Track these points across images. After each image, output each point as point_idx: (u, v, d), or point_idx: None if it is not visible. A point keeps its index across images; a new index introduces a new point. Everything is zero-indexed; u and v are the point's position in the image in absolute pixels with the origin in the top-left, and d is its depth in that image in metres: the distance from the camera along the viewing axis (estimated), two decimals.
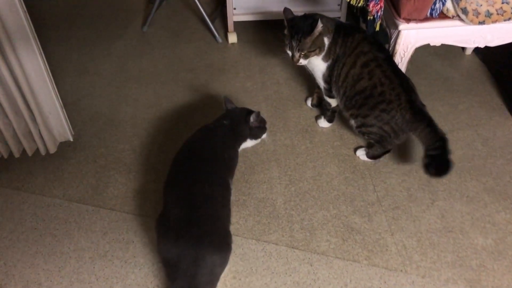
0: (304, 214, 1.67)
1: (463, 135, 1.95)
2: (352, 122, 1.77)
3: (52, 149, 1.85)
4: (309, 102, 2.10)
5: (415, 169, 1.81)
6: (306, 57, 1.69)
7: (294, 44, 1.66)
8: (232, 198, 1.69)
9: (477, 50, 2.37)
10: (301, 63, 1.72)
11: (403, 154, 1.87)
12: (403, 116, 1.61)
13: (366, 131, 1.74)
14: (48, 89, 1.70)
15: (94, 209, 1.69)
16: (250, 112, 1.59)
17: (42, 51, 1.64)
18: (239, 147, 1.62)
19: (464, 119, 2.03)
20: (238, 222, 1.64)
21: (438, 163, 1.56)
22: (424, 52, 2.38)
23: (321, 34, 1.65)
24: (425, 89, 2.17)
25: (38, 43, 1.62)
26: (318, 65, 1.76)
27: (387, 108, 1.63)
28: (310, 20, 1.65)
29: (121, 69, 2.32)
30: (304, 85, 2.21)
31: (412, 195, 1.72)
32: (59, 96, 1.77)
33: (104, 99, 2.15)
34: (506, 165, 1.83)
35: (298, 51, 1.67)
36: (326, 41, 1.68)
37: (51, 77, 1.71)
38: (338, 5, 2.41)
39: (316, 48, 1.67)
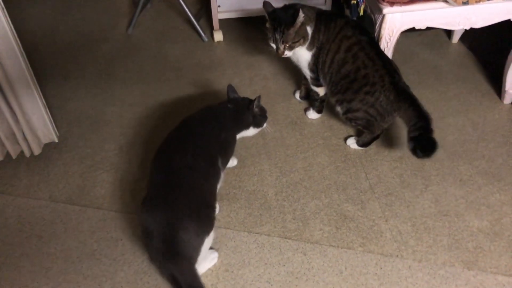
0: (296, 204, 1.63)
1: (453, 121, 1.93)
2: (338, 108, 1.75)
3: (37, 151, 1.81)
4: (297, 95, 2.08)
5: (407, 156, 1.78)
6: (290, 48, 1.67)
7: (277, 36, 1.64)
8: (223, 191, 1.67)
9: (463, 37, 2.37)
10: (286, 55, 1.70)
11: (394, 141, 1.85)
12: (387, 97, 1.61)
13: (353, 117, 1.73)
14: (30, 89, 1.67)
15: (81, 209, 1.65)
16: (251, 100, 1.61)
17: (23, 52, 1.61)
18: (238, 132, 1.61)
19: (454, 105, 2.01)
20: (229, 215, 1.60)
21: (423, 144, 1.54)
22: (411, 41, 2.38)
23: (303, 24, 1.63)
24: (413, 78, 2.16)
25: (20, 45, 1.59)
26: (302, 55, 1.75)
27: (371, 90, 1.62)
28: (291, 10, 1.63)
29: (107, 71, 2.29)
30: (291, 79, 2.19)
31: (405, 181, 1.70)
32: (42, 96, 1.74)
33: (89, 100, 2.11)
34: (498, 148, 1.81)
35: (282, 43, 1.65)
36: (309, 30, 1.67)
37: (33, 77, 1.68)
38: None
39: (300, 38, 1.65)
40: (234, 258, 1.48)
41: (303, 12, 1.60)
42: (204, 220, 1.33)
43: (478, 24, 1.70)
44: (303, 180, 1.72)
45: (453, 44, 2.38)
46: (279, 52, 1.69)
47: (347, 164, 1.77)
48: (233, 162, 1.74)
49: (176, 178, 1.36)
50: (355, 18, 1.66)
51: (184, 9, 2.47)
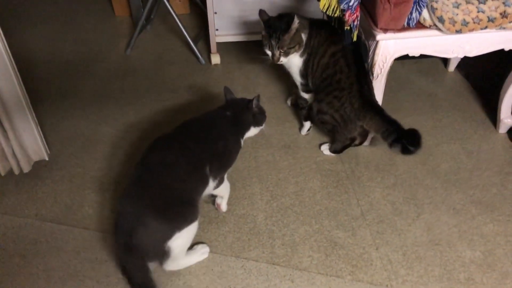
0: (286, 230, 1.60)
1: (448, 149, 1.92)
2: (314, 109, 1.82)
3: (26, 168, 1.79)
4: (289, 102, 2.15)
5: (400, 183, 1.76)
6: (286, 54, 1.72)
7: (273, 43, 1.69)
8: (212, 214, 1.65)
9: (459, 66, 2.37)
10: (281, 61, 1.75)
11: (387, 168, 1.83)
12: (352, 104, 1.68)
13: (321, 119, 1.80)
14: (22, 106, 1.67)
15: (68, 228, 1.62)
16: (250, 100, 1.61)
17: (17, 70, 1.62)
18: (242, 136, 1.61)
19: (448, 133, 2.00)
20: (217, 239, 1.57)
21: (408, 139, 1.57)
22: (407, 69, 2.38)
23: (298, 31, 1.69)
24: (409, 105, 2.15)
25: (14, 63, 1.60)
26: (294, 61, 1.80)
27: (339, 95, 1.71)
28: (286, 18, 1.70)
29: (103, 91, 2.29)
30: (286, 102, 2.19)
31: (397, 209, 1.67)
32: (33, 114, 1.73)
33: (84, 119, 2.11)
34: (492, 177, 1.78)
35: (278, 49, 1.70)
36: (304, 37, 1.73)
37: (26, 95, 1.68)
38: None
39: (295, 44, 1.71)
40: (220, 284, 1.44)
41: (298, 19, 1.66)
42: (174, 218, 1.33)
43: (472, 53, 1.70)
44: (294, 205, 1.69)
45: (449, 72, 2.38)
46: (275, 58, 1.73)
47: (339, 190, 1.75)
48: (224, 206, 1.68)
49: (152, 174, 1.38)
50: (349, 44, 1.67)
51: (182, 32, 2.49)
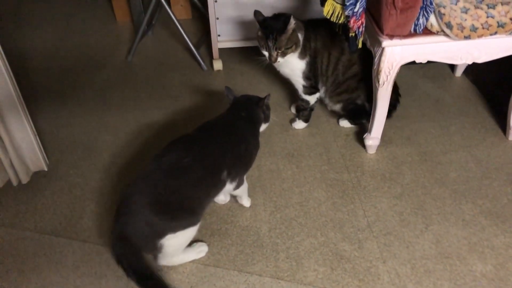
0: (290, 242, 1.56)
1: (456, 157, 1.87)
2: (338, 106, 1.88)
3: (25, 179, 1.76)
4: (293, 109, 2.14)
5: (407, 192, 1.72)
6: (283, 54, 1.71)
7: (270, 43, 1.68)
8: (214, 226, 1.61)
9: (467, 71, 2.32)
10: (279, 61, 1.74)
11: (393, 177, 1.78)
12: None
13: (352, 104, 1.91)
14: (20, 115, 1.63)
15: (67, 241, 1.58)
16: (257, 97, 1.61)
17: (13, 79, 1.58)
18: (259, 134, 1.62)
19: (456, 140, 1.95)
20: (219, 253, 1.53)
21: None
22: (414, 74, 2.34)
23: (295, 31, 1.69)
24: (416, 111, 2.11)
25: (10, 72, 1.57)
26: (296, 64, 1.81)
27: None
28: (282, 18, 1.69)
29: (103, 98, 2.26)
30: (289, 109, 2.15)
31: (405, 220, 1.62)
32: (31, 123, 1.70)
33: (84, 127, 2.07)
34: (502, 187, 1.73)
35: (275, 50, 1.69)
36: (300, 37, 1.73)
37: (23, 104, 1.65)
38: None
39: (292, 44, 1.70)
40: None
41: (294, 19, 1.65)
42: (170, 220, 1.33)
43: (481, 59, 1.65)
44: (298, 216, 1.65)
45: (456, 78, 2.33)
46: (272, 59, 1.72)
47: (344, 200, 1.70)
48: (246, 202, 1.70)
49: (163, 174, 1.37)
50: (354, 51, 1.64)
51: (184, 38, 2.46)
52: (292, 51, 1.72)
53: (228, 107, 1.64)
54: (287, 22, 1.64)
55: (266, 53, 1.73)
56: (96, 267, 1.49)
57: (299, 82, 1.87)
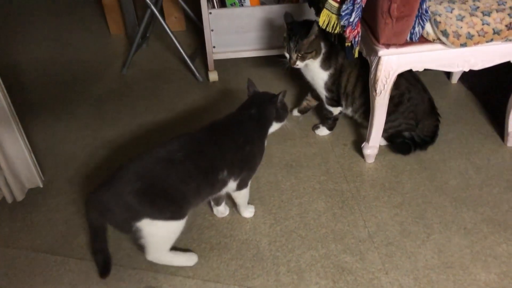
0: (291, 255, 1.54)
1: (455, 164, 1.86)
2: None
3: (20, 197, 1.73)
4: (295, 112, 2.16)
5: (407, 202, 1.70)
6: (303, 59, 1.75)
7: (292, 45, 1.73)
8: (213, 240, 1.58)
9: (463, 78, 2.32)
10: (297, 65, 1.78)
11: (392, 186, 1.77)
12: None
13: (392, 129, 1.88)
14: (13, 132, 1.61)
15: (63, 259, 1.55)
16: (272, 94, 1.59)
17: (7, 95, 1.56)
18: (266, 134, 1.59)
19: (455, 147, 1.94)
20: (219, 267, 1.50)
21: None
22: None
23: (317, 37, 1.73)
24: None
25: (4, 87, 1.55)
26: (318, 73, 1.84)
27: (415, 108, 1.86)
28: (308, 23, 1.74)
29: (98, 112, 2.24)
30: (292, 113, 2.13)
31: (406, 230, 1.61)
32: (26, 140, 1.67)
33: (79, 142, 2.05)
34: (503, 194, 1.72)
35: (295, 52, 1.73)
36: (323, 46, 1.77)
37: (17, 120, 1.63)
38: None
39: (312, 50, 1.74)
40: None
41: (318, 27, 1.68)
42: (148, 204, 1.34)
43: (477, 66, 1.65)
44: (298, 228, 1.63)
45: (452, 84, 2.33)
46: (292, 61, 1.77)
47: (344, 211, 1.68)
48: (245, 213, 1.68)
49: (152, 162, 1.39)
50: (350, 60, 1.63)
51: (179, 50, 2.45)
52: (312, 57, 1.75)
53: (242, 103, 1.64)
54: (311, 28, 1.70)
55: (287, 55, 1.77)
56: (94, 285, 1.46)
57: (322, 92, 1.91)
